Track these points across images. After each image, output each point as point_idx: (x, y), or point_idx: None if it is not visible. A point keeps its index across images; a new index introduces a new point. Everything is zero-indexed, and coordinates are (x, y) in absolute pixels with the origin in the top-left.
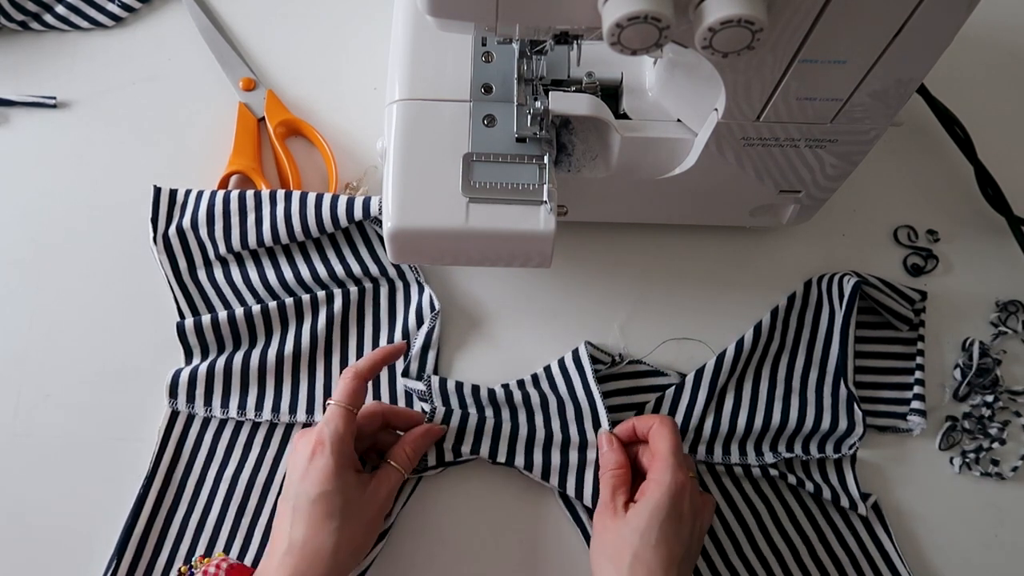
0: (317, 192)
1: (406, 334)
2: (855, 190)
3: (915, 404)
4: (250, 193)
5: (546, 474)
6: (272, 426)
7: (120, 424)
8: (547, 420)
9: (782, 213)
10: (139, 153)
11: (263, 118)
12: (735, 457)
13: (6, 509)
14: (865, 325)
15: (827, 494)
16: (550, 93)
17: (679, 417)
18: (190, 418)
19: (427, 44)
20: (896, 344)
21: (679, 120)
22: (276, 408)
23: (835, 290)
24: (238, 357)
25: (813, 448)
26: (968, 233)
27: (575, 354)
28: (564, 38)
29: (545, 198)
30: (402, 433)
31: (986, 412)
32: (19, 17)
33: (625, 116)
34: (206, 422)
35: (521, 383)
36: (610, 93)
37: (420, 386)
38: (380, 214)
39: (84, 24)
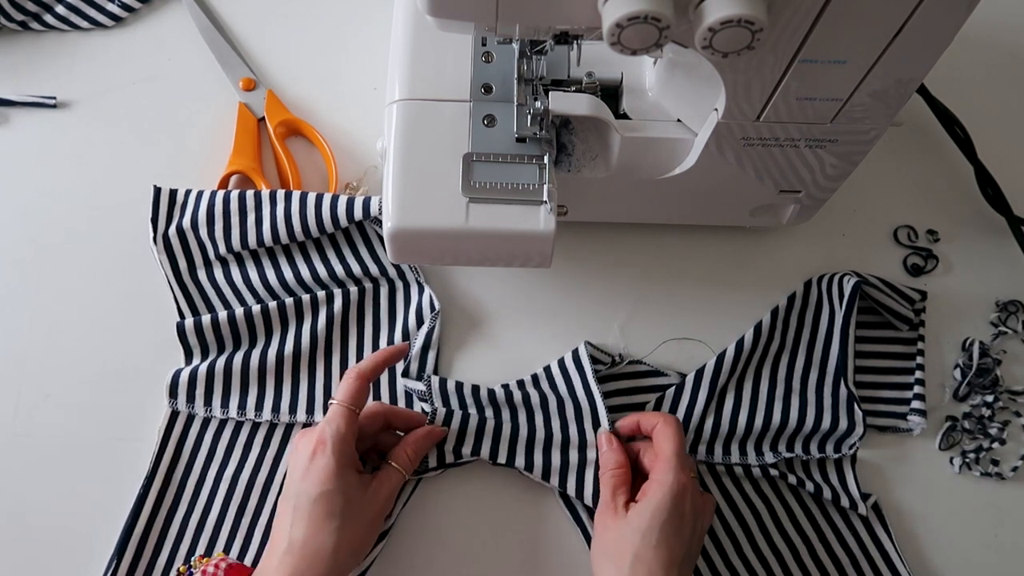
0: (317, 192)
1: (406, 334)
2: (855, 190)
3: (915, 404)
4: (250, 193)
5: (546, 474)
6: (272, 426)
7: (120, 424)
8: (547, 420)
9: (782, 213)
10: (139, 153)
11: (263, 118)
12: (735, 457)
13: (6, 509)
14: (865, 325)
15: (827, 494)
16: (550, 93)
17: (679, 417)
18: (190, 418)
19: (427, 44)
20: (896, 344)
21: (679, 120)
22: (276, 408)
23: (835, 290)
24: (238, 357)
25: (813, 448)
26: (968, 233)
27: (575, 354)
28: (564, 38)
29: (545, 198)
30: (403, 434)
31: (986, 412)
32: (19, 17)
33: (625, 116)
34: (206, 422)
35: (521, 383)
36: (610, 93)
37: (420, 386)
38: (380, 214)
39: (84, 24)
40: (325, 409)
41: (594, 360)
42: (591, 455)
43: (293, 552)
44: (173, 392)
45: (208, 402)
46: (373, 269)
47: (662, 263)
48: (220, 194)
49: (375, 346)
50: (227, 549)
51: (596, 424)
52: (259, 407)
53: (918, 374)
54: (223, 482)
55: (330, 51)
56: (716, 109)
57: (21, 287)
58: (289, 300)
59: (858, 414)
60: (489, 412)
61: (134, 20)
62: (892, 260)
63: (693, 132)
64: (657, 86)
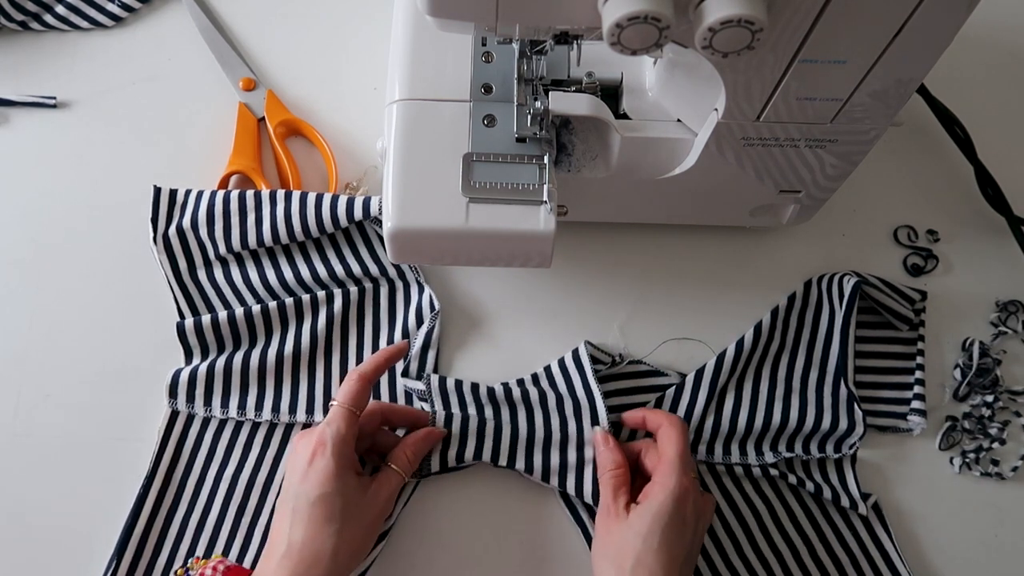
0: (317, 192)
1: (406, 334)
2: (855, 190)
3: (915, 404)
4: (250, 193)
5: (546, 476)
6: (272, 426)
7: (120, 424)
8: (546, 418)
9: (782, 213)
10: (139, 153)
11: (263, 118)
12: (735, 457)
13: (6, 509)
14: (865, 325)
15: (827, 494)
16: (550, 93)
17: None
18: (190, 418)
19: (427, 44)
20: (896, 344)
21: (679, 120)
22: (276, 408)
23: (835, 290)
24: (238, 357)
25: (813, 448)
26: (968, 233)
27: (575, 354)
28: (564, 38)
29: (545, 198)
30: (401, 434)
31: (986, 412)
32: (19, 17)
33: (625, 116)
34: (206, 422)
35: (521, 381)
36: (610, 93)
37: (420, 385)
38: (380, 214)
39: (84, 24)
40: (325, 409)
41: (594, 360)
42: (589, 453)
43: (292, 555)
44: (173, 392)
45: (208, 402)
46: (373, 269)
47: (662, 263)
48: (220, 194)
49: (375, 346)
50: (227, 549)
51: (595, 422)
52: (259, 407)
53: (918, 374)
54: (223, 482)
55: (330, 51)
56: (716, 109)
57: (21, 287)
58: (289, 300)
59: (858, 414)
60: (489, 411)
61: (134, 20)
62: (892, 260)
63: (693, 132)
64: (657, 86)
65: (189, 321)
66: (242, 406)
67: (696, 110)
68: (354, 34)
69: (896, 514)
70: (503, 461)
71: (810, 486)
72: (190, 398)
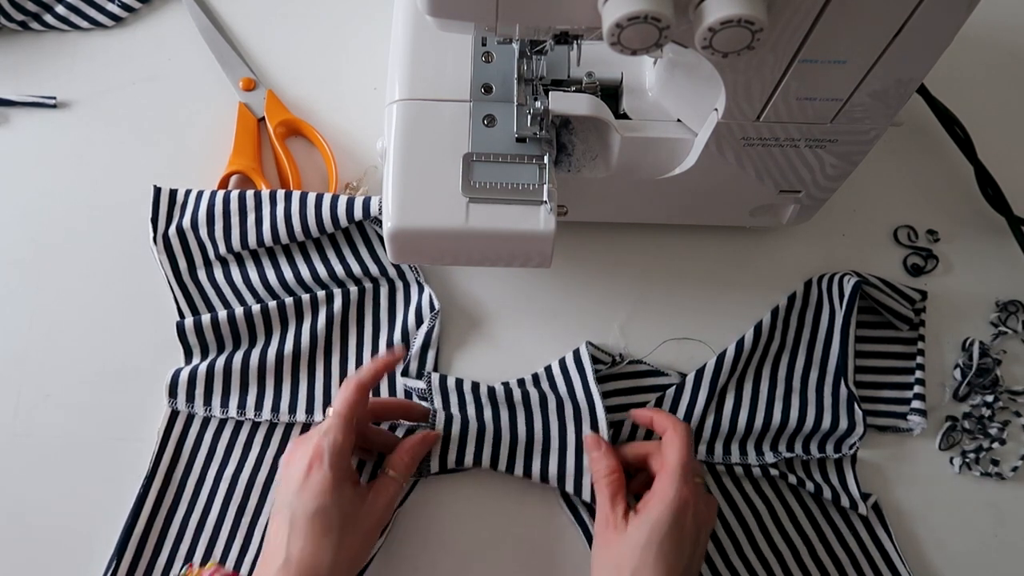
0: (317, 192)
1: (406, 334)
2: (855, 190)
3: (915, 404)
4: (250, 193)
5: (545, 480)
6: (272, 426)
7: (120, 424)
8: (546, 424)
9: (782, 213)
10: (139, 153)
11: (263, 118)
12: (735, 457)
13: (6, 509)
14: (865, 325)
15: (827, 494)
16: (550, 93)
17: (679, 417)
18: (190, 418)
19: (427, 44)
20: (896, 344)
21: (679, 120)
22: (276, 408)
23: (835, 290)
24: (238, 357)
25: (813, 448)
26: (968, 233)
27: (576, 354)
28: (564, 38)
29: (545, 198)
30: (400, 434)
31: (986, 412)
32: (19, 17)
33: (625, 116)
34: (206, 422)
35: (521, 382)
36: (610, 93)
37: (420, 384)
38: (380, 214)
39: (84, 24)
40: (325, 409)
41: (594, 360)
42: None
43: (290, 567)
44: (173, 392)
45: (208, 402)
46: (373, 269)
47: (662, 263)
48: (220, 194)
49: (375, 346)
50: (227, 549)
51: (595, 428)
52: (259, 407)
53: (918, 374)
54: (223, 482)
55: (330, 51)
56: (716, 109)
57: (21, 287)
58: (289, 300)
59: (858, 414)
60: (488, 413)
61: (134, 20)
62: (892, 260)
63: (693, 132)
64: (657, 86)
65: (189, 321)
66: (242, 406)
67: (696, 110)
68: (354, 34)
69: (896, 514)
70: (502, 466)
71: (810, 486)
72: (190, 398)
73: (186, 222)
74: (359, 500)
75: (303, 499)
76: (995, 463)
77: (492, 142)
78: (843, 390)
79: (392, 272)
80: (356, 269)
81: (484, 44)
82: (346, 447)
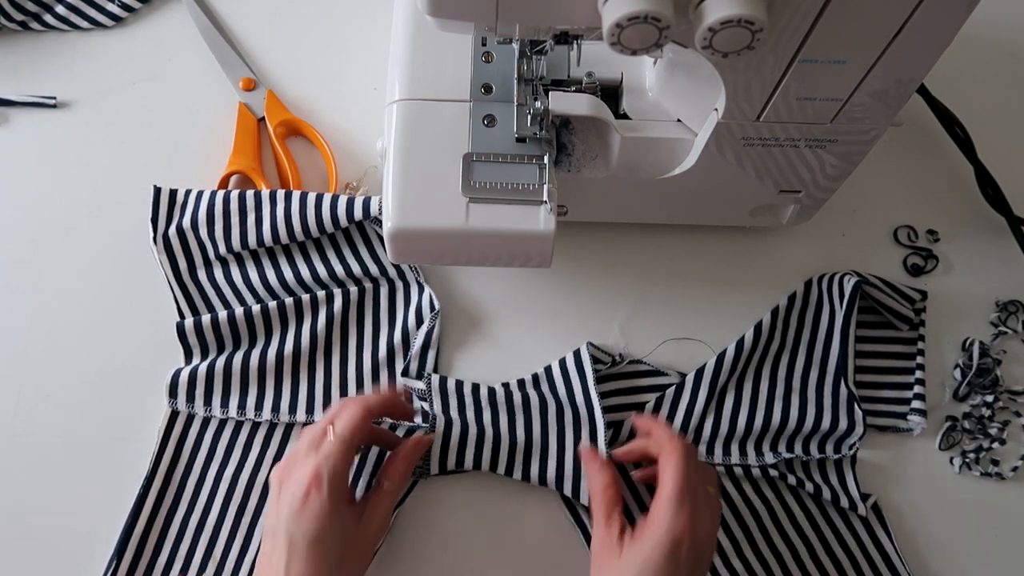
0: (317, 192)
1: (406, 334)
2: (855, 190)
3: (915, 404)
4: (250, 193)
5: (543, 483)
6: (272, 426)
7: (120, 424)
8: (545, 429)
9: (782, 213)
10: (139, 153)
11: (263, 118)
12: (735, 457)
13: (6, 509)
14: (865, 325)
15: (827, 494)
16: (550, 93)
17: (679, 417)
18: (190, 418)
19: (427, 44)
20: (896, 344)
21: (679, 120)
22: (276, 408)
23: (835, 290)
24: (238, 357)
25: (813, 448)
26: (968, 233)
27: (576, 355)
28: (564, 38)
29: (545, 198)
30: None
31: (986, 412)
32: (19, 17)
33: (625, 116)
34: (206, 422)
35: (522, 383)
36: (610, 93)
37: (420, 385)
38: (380, 214)
39: (84, 24)
40: (325, 409)
41: (594, 360)
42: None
43: None
44: (173, 392)
45: (208, 402)
46: (373, 269)
47: (662, 263)
48: (220, 194)
49: (375, 346)
50: (227, 549)
51: (593, 437)
52: (259, 407)
53: (918, 374)
54: (223, 482)
55: (330, 51)
56: (716, 109)
57: (21, 287)
58: (289, 300)
59: (858, 414)
60: (488, 415)
61: (134, 20)
62: (892, 260)
63: (693, 132)
64: (657, 86)
65: (189, 321)
66: (242, 406)
67: (696, 110)
68: (354, 34)
69: (896, 514)
70: (501, 469)
71: (810, 487)
72: (190, 398)
73: (186, 222)
74: (356, 519)
75: (302, 524)
76: (995, 463)
77: (492, 142)
78: (843, 390)
79: (392, 272)
80: (356, 269)
81: (484, 44)
82: (344, 470)
